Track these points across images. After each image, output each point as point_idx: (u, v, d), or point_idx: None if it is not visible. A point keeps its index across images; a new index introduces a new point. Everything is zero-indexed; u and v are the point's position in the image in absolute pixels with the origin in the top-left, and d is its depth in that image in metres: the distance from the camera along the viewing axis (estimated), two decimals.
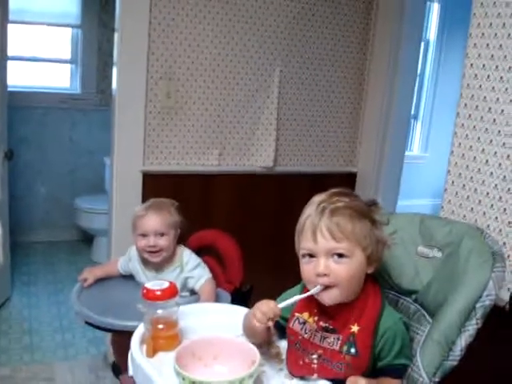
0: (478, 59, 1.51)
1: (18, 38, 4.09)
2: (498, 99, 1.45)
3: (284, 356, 1.27)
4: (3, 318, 3.14)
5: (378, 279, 1.33)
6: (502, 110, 1.44)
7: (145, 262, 1.99)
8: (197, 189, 2.74)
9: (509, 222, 1.43)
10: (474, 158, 1.53)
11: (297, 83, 2.86)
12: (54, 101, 4.20)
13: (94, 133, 4.28)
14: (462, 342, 1.13)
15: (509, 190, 1.43)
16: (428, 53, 5.10)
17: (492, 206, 1.48)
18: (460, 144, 1.58)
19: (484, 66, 1.49)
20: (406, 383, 1.16)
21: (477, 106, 1.52)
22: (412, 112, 5.22)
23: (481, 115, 1.51)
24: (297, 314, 1.26)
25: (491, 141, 1.47)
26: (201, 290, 1.92)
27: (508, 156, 1.43)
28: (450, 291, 1.19)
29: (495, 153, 1.46)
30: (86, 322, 1.76)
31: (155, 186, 2.62)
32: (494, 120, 1.46)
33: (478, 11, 1.51)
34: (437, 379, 1.13)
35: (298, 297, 1.24)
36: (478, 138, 1.52)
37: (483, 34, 1.49)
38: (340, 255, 1.17)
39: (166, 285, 1.35)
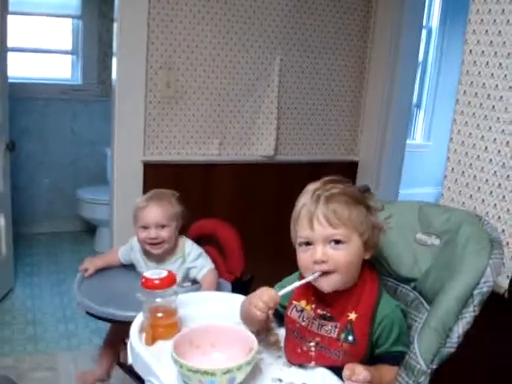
0: (477, 45, 1.49)
1: (19, 30, 4.08)
2: (497, 86, 1.44)
3: (282, 344, 1.28)
4: (7, 308, 3.16)
5: (377, 267, 1.34)
6: (501, 97, 1.43)
7: (146, 253, 1.99)
8: (197, 178, 2.74)
9: (508, 209, 1.43)
10: (474, 144, 1.53)
11: (297, 72, 2.85)
12: (55, 92, 4.19)
13: (95, 123, 4.27)
14: (460, 329, 1.12)
15: (508, 176, 1.42)
16: (430, 40, 5.07)
17: (491, 192, 1.47)
18: (459, 131, 1.57)
19: (483, 52, 1.48)
20: (404, 370, 1.16)
21: (476, 93, 1.52)
22: (415, 100, 5.22)
23: (480, 102, 1.50)
24: (294, 302, 1.27)
25: (490, 127, 1.47)
26: (203, 280, 1.92)
27: (507, 143, 1.42)
28: (447, 278, 1.19)
29: (494, 139, 1.46)
30: (87, 313, 1.77)
31: (156, 176, 2.63)
32: (493, 107, 1.46)
33: None
34: (434, 366, 1.12)
35: (297, 283, 1.24)
36: (478, 125, 1.51)
37: (482, 20, 1.48)
38: (337, 241, 1.17)
39: (164, 273, 1.36)
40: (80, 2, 4.10)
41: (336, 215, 1.18)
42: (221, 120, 2.74)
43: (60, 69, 4.33)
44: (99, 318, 1.75)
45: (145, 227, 1.94)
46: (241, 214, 2.72)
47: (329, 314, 1.22)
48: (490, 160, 1.47)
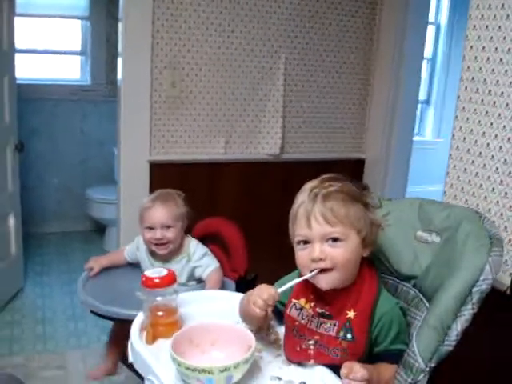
0: (478, 41, 1.48)
1: (29, 31, 4.11)
2: (497, 81, 1.43)
3: (282, 342, 1.28)
4: (17, 307, 3.19)
5: (378, 265, 1.33)
6: (502, 93, 1.42)
7: (152, 253, 2.01)
8: (203, 177, 2.74)
9: (510, 206, 1.42)
10: (475, 141, 1.52)
11: (303, 70, 2.85)
12: (64, 93, 4.22)
13: (104, 123, 4.29)
14: (458, 326, 1.12)
15: (510, 173, 1.41)
16: (439, 37, 5.03)
17: (493, 189, 1.46)
18: (461, 127, 1.56)
19: (484, 48, 1.47)
20: (402, 368, 1.15)
21: (477, 89, 1.50)
22: (424, 97, 5.19)
23: (481, 98, 1.49)
24: (294, 300, 1.27)
25: (492, 123, 1.45)
26: (207, 279, 1.93)
27: (509, 139, 1.41)
28: (446, 275, 1.18)
29: (496, 136, 1.44)
30: (91, 311, 1.78)
31: (162, 175, 2.64)
32: (495, 103, 1.44)
33: None
34: (433, 364, 1.12)
35: (295, 280, 1.24)
36: (479, 121, 1.50)
37: (482, 15, 1.46)
38: (335, 239, 1.18)
39: (164, 272, 1.37)
40: (88, 3, 4.12)
41: (333, 213, 1.18)
42: (226, 119, 2.75)
43: (69, 70, 4.36)
44: (103, 316, 1.77)
45: (150, 228, 1.94)
46: (246, 213, 2.72)
47: (327, 312, 1.22)
48: (492, 156, 1.46)
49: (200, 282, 1.95)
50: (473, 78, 1.51)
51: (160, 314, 1.34)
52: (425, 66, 5.04)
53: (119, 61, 2.56)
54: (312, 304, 1.24)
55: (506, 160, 1.42)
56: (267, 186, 2.88)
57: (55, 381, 2.53)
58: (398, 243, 1.37)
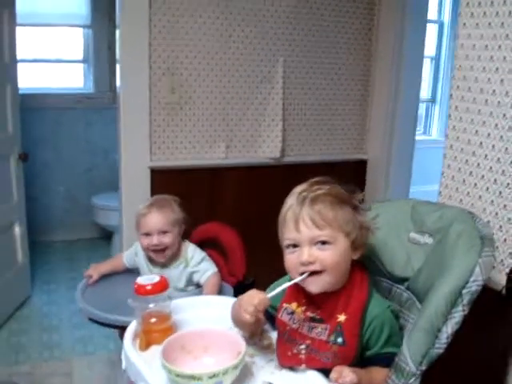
0: (468, 39, 1.47)
1: (32, 41, 4.15)
2: (489, 79, 1.42)
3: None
4: (24, 316, 3.21)
5: (372, 267, 1.33)
6: (494, 91, 1.40)
7: (150, 259, 2.01)
8: (205, 183, 2.75)
9: (504, 205, 1.40)
10: (469, 140, 1.50)
11: (301, 72, 2.84)
12: (68, 101, 4.25)
13: (108, 131, 4.30)
14: (449, 329, 1.10)
15: (503, 172, 1.39)
16: (443, 35, 5.00)
17: (487, 189, 1.45)
18: (454, 126, 1.55)
19: (474, 45, 1.46)
20: (394, 372, 1.14)
21: (469, 88, 1.49)
22: (429, 96, 5.17)
23: (473, 97, 1.48)
24: (285, 305, 1.26)
25: (484, 122, 1.44)
26: (205, 284, 1.93)
27: (501, 137, 1.39)
28: (437, 277, 1.17)
29: (488, 134, 1.43)
30: (90, 319, 1.79)
31: (163, 181, 2.64)
32: (486, 101, 1.43)
33: None
34: (423, 367, 1.11)
35: (285, 285, 1.23)
36: (472, 120, 1.48)
37: (472, 13, 1.45)
38: (323, 242, 1.17)
39: (156, 279, 1.37)
40: (90, 11, 4.15)
41: (321, 216, 1.17)
42: (226, 123, 2.75)
43: (73, 78, 4.39)
44: (102, 324, 1.77)
45: (147, 234, 1.95)
46: (248, 217, 2.71)
47: (319, 317, 1.21)
48: (486, 155, 1.45)
49: (199, 287, 1.95)
50: (464, 77, 1.50)
51: (153, 320, 1.34)
52: (429, 64, 5.02)
53: (117, 68, 2.57)
54: (303, 308, 1.24)
55: (499, 159, 1.40)
56: (268, 190, 2.86)
57: None
58: (391, 245, 1.36)
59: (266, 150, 2.82)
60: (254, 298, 1.21)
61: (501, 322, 1.37)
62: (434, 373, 1.11)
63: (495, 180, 1.42)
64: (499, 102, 1.39)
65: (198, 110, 2.69)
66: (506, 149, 1.38)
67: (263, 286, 1.34)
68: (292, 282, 1.22)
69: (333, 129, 2.99)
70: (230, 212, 2.74)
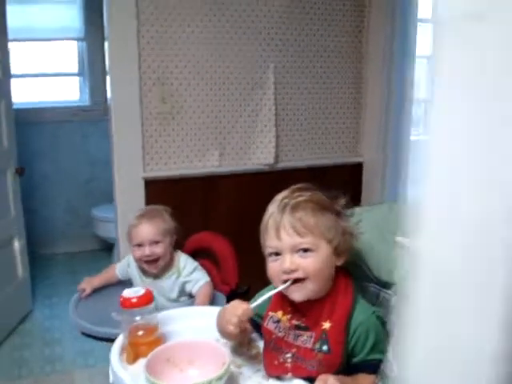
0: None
1: (28, 56, 4.18)
2: None
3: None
4: (26, 330, 3.21)
5: (358, 272, 1.31)
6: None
7: (143, 270, 2.00)
8: (199, 191, 2.74)
9: None
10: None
11: (293, 77, 2.83)
12: (65, 114, 4.27)
13: (105, 142, 4.30)
14: None
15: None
16: None
17: None
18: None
19: None
20: (380, 378, 1.13)
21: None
22: (427, 96, 5.15)
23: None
24: (271, 313, 1.25)
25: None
26: (197, 294, 1.92)
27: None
28: None
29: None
30: (83, 333, 1.78)
31: (158, 191, 2.64)
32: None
33: None
34: None
35: (269, 293, 1.22)
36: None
37: None
38: (305, 250, 1.16)
39: (141, 292, 1.37)
40: (82, 24, 4.17)
41: (302, 223, 1.16)
42: (219, 131, 2.74)
43: (70, 91, 4.41)
44: (95, 337, 1.77)
45: (139, 245, 1.94)
46: (243, 224, 2.69)
47: (304, 324, 1.21)
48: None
49: (192, 297, 1.94)
50: None
51: (140, 333, 1.34)
52: (426, 64, 5.00)
53: (107, 80, 2.58)
54: (289, 316, 1.23)
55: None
56: (263, 196, 2.84)
57: None
58: (377, 249, 1.35)
59: (259, 156, 2.81)
60: (238, 308, 1.20)
61: None
62: None
63: None
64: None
65: (189, 119, 2.69)
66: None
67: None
68: (275, 290, 1.21)
69: (327, 132, 2.98)
70: (225, 220, 2.74)
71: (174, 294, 1.94)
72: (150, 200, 2.61)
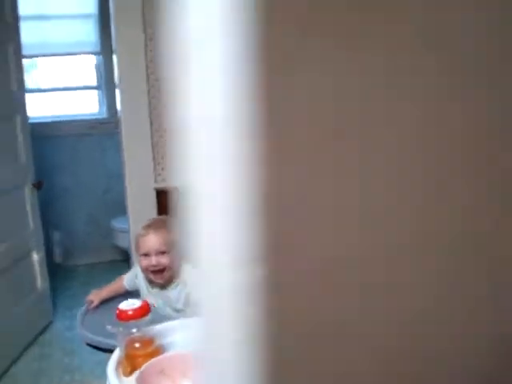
0: None
1: (47, 71, 4.27)
2: None
3: None
4: (46, 341, 3.26)
5: None
6: None
7: (149, 280, 2.02)
8: None
9: None
10: None
11: None
12: (84, 127, 4.33)
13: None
14: None
15: None
16: None
17: None
18: None
19: None
20: None
21: None
22: None
23: None
24: None
25: None
26: None
27: None
28: None
29: None
30: (88, 344, 1.80)
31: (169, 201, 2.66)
32: None
33: None
34: None
35: None
36: None
37: None
38: None
39: (137, 304, 1.38)
40: (98, 38, 4.24)
41: None
42: None
43: (89, 104, 4.48)
44: (100, 349, 1.78)
45: (146, 255, 1.96)
46: None
47: None
48: None
49: None
50: None
51: (137, 345, 1.35)
52: None
53: (117, 93, 2.62)
54: None
55: None
56: None
57: None
58: None
59: None
60: None
61: None
62: None
63: None
64: None
65: None
66: None
67: None
68: None
69: None
70: None
71: (180, 305, 1.94)
72: (161, 210, 2.63)
